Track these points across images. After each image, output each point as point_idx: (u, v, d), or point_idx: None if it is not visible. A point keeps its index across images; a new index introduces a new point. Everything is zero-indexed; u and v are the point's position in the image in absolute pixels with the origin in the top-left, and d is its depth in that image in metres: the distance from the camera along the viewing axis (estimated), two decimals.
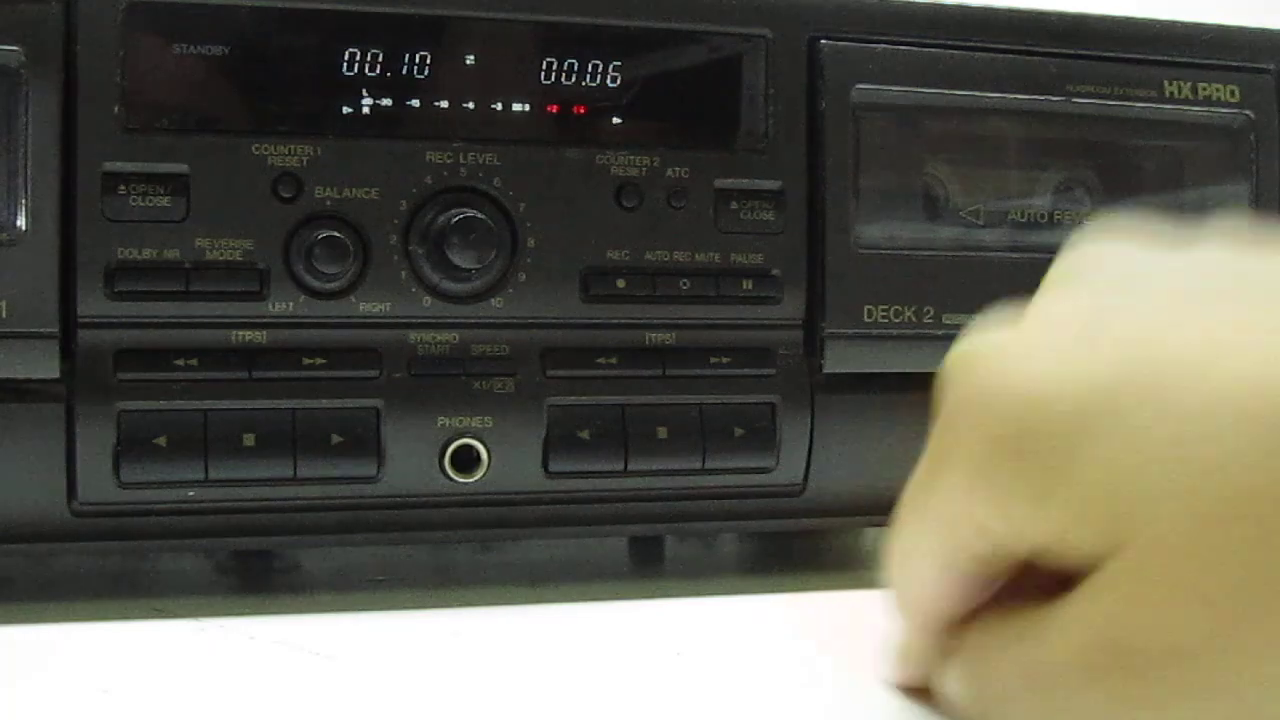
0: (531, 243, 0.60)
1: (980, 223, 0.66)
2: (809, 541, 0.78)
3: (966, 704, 0.43)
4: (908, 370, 0.64)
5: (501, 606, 0.60)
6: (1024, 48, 0.66)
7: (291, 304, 0.58)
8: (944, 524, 0.43)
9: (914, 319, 0.64)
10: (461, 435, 0.59)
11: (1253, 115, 0.69)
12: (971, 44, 0.65)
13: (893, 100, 0.64)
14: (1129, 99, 0.67)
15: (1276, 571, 0.34)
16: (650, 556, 0.73)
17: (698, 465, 0.61)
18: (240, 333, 0.57)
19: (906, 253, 0.64)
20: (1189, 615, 0.35)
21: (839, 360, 0.63)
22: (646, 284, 0.61)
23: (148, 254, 0.56)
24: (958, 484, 0.41)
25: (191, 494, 0.56)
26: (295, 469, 0.57)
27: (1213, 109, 0.68)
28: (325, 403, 0.57)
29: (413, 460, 0.58)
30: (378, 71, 0.58)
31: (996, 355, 0.41)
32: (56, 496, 0.56)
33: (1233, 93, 0.69)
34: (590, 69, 0.61)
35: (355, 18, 0.58)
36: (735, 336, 0.62)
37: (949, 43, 0.65)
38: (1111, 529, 0.37)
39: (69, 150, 0.55)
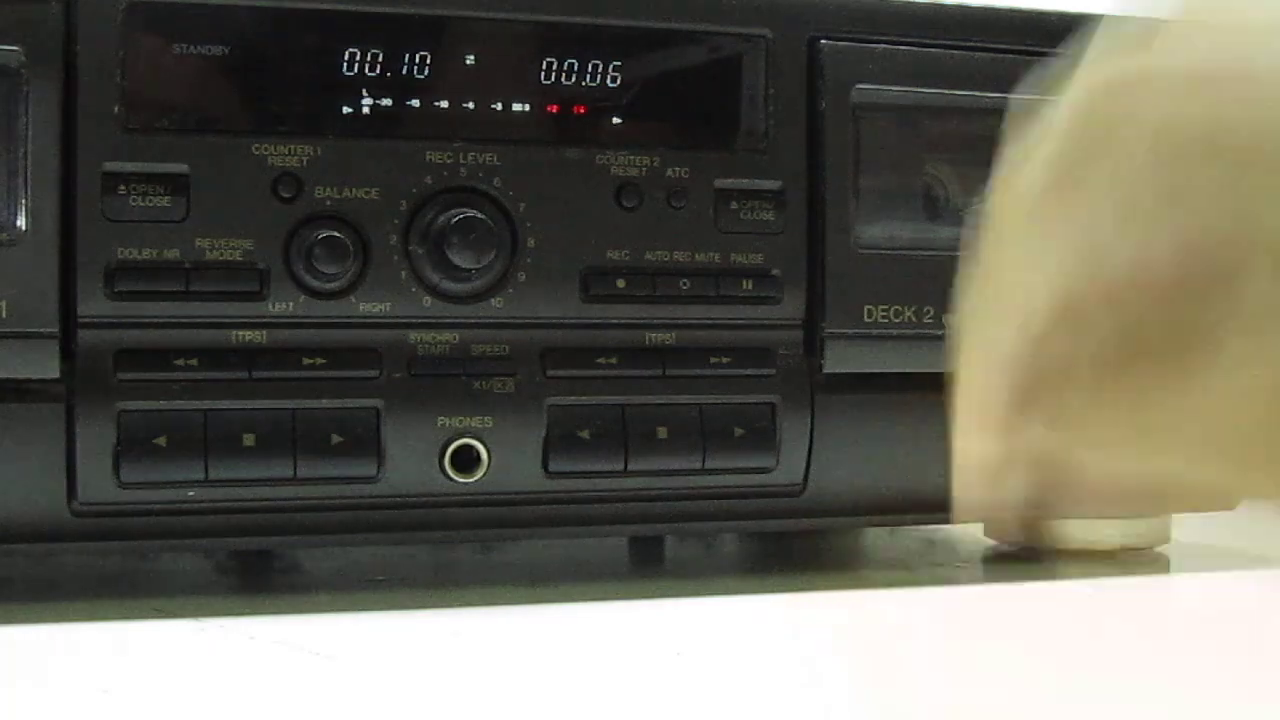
0: (531, 243, 0.60)
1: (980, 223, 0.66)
2: (809, 541, 0.78)
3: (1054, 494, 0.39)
4: (908, 370, 0.64)
5: (501, 606, 0.60)
6: (1024, 48, 0.66)
7: (291, 304, 0.58)
8: (1075, 249, 0.36)
9: (914, 319, 0.64)
10: (461, 435, 0.59)
11: None
12: (971, 44, 0.65)
13: (893, 100, 0.64)
14: None
15: None
16: (650, 556, 0.73)
17: (698, 465, 0.61)
18: (240, 333, 0.57)
19: (906, 253, 0.64)
20: None
21: (839, 360, 0.63)
22: (646, 284, 0.61)
23: (148, 254, 0.56)
24: (1108, 198, 0.35)
25: (191, 494, 0.56)
26: (295, 469, 0.57)
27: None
28: (325, 403, 0.57)
29: (413, 460, 0.58)
30: (378, 71, 0.58)
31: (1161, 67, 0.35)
32: (56, 496, 0.56)
33: None
34: (590, 69, 0.61)
35: (355, 18, 0.58)
36: (735, 336, 0.62)
37: (949, 43, 0.65)
38: None
39: (69, 150, 0.55)
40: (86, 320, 0.56)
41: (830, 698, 0.48)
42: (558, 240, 0.60)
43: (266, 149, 0.57)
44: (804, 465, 0.63)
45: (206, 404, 0.56)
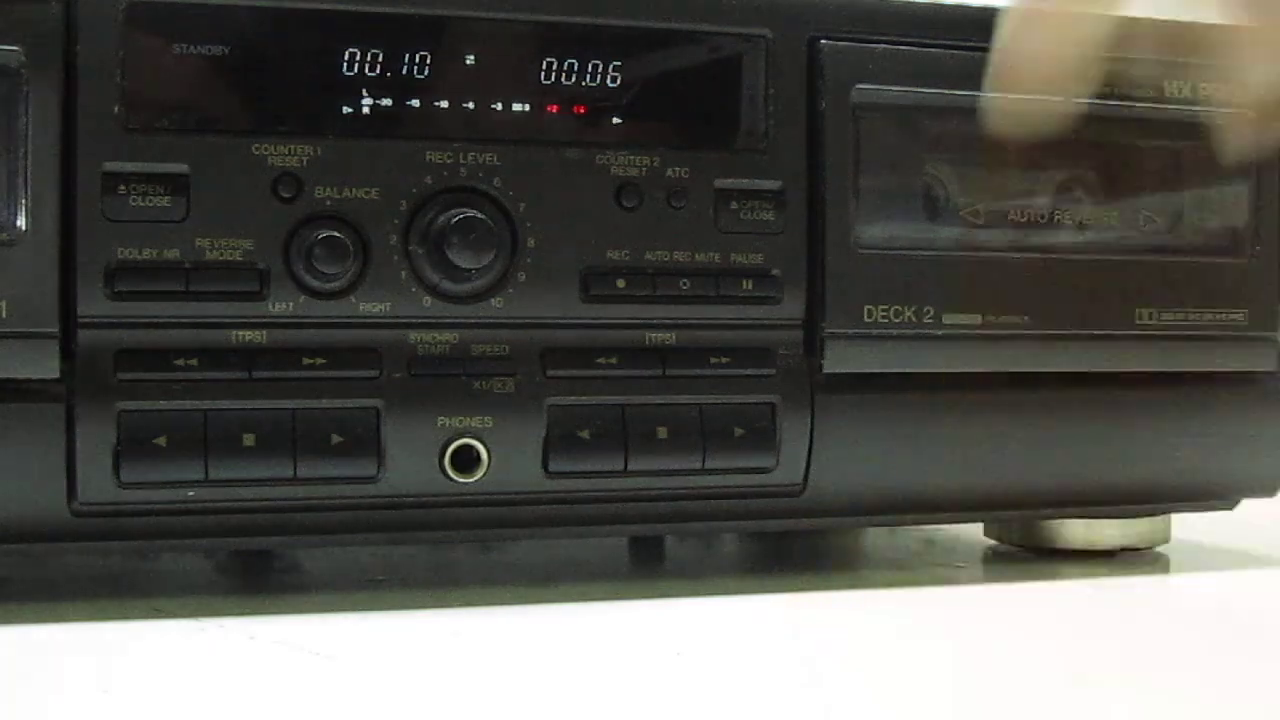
0: (531, 243, 0.60)
1: (980, 223, 0.66)
2: (809, 541, 0.78)
3: None
4: (908, 370, 0.64)
5: (501, 606, 0.60)
6: None
7: (291, 304, 0.58)
8: None
9: (914, 319, 0.64)
10: (461, 435, 0.59)
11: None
12: (971, 44, 0.65)
13: (893, 100, 0.64)
14: (1129, 99, 0.67)
15: None
16: (650, 556, 0.73)
17: (698, 465, 0.61)
18: (240, 333, 0.57)
19: (906, 253, 0.64)
20: None
21: (839, 360, 0.63)
22: (646, 284, 0.61)
23: (148, 254, 0.56)
24: None
25: (191, 494, 0.56)
26: (295, 469, 0.57)
27: (1213, 109, 0.68)
28: (325, 403, 0.57)
29: (413, 460, 0.58)
30: (378, 71, 0.58)
31: None
32: (56, 496, 0.56)
33: None
34: (590, 69, 0.61)
35: (355, 18, 0.58)
36: (735, 336, 0.62)
37: (949, 43, 0.65)
38: None
39: (69, 150, 0.55)
40: (86, 320, 0.56)
41: (830, 698, 0.48)
42: (558, 240, 0.60)
43: (266, 149, 0.57)
44: (804, 465, 0.63)
45: (206, 404, 0.56)
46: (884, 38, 0.64)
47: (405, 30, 0.59)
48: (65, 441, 0.55)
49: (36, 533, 0.56)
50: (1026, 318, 0.65)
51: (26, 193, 0.55)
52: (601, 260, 0.61)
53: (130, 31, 0.56)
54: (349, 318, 0.58)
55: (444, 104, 0.59)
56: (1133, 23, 0.51)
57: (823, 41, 0.63)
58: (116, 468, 0.56)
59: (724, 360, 0.62)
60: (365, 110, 0.58)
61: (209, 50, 0.57)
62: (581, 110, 0.61)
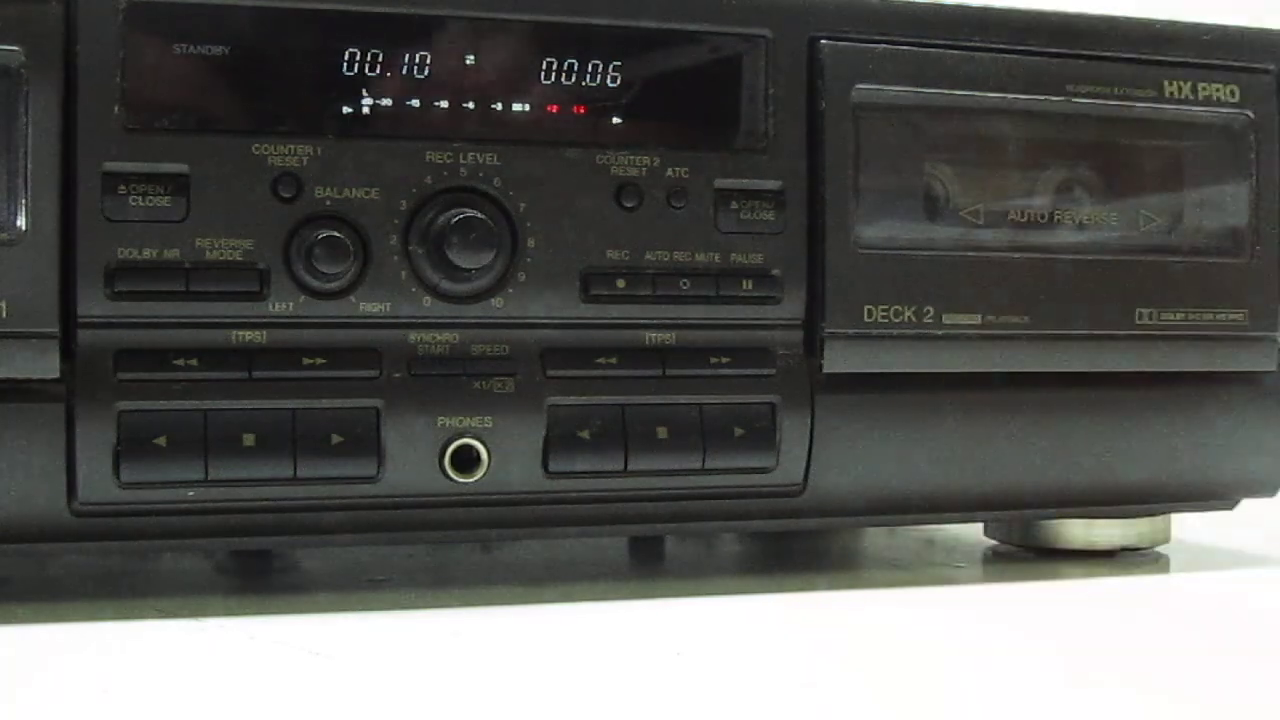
0: (531, 243, 0.60)
1: (980, 223, 0.66)
2: (809, 541, 0.78)
3: None
4: (908, 370, 0.64)
5: (501, 606, 0.60)
6: (1024, 48, 0.66)
7: (291, 304, 0.58)
8: None
9: (914, 319, 0.64)
10: (461, 435, 0.59)
11: (1253, 115, 0.69)
12: (971, 44, 0.65)
13: (893, 100, 0.64)
14: (1129, 99, 0.67)
15: None
16: (650, 556, 0.73)
17: (698, 465, 0.61)
18: (240, 333, 0.57)
19: (906, 253, 0.64)
20: None
21: (839, 360, 0.63)
22: (646, 284, 0.61)
23: (148, 254, 0.56)
24: None
25: (191, 494, 0.56)
26: (295, 469, 0.57)
27: (1213, 109, 0.68)
28: (325, 403, 0.57)
29: (413, 460, 0.58)
30: (378, 71, 0.58)
31: None
32: (56, 496, 0.56)
33: (1233, 93, 0.69)
34: (590, 69, 0.61)
35: (355, 18, 0.58)
36: (735, 336, 0.62)
37: (949, 43, 0.65)
38: None
39: (69, 150, 0.55)
40: (86, 320, 0.56)
41: (830, 698, 0.48)
42: (558, 240, 0.60)
43: (266, 149, 0.57)
44: (804, 465, 0.63)
45: (206, 404, 0.56)
46: (884, 38, 0.64)
47: (405, 30, 0.59)
48: (65, 441, 0.55)
49: (36, 533, 0.56)
50: (1026, 318, 0.65)
51: (26, 193, 0.55)
52: (601, 260, 0.61)
53: (130, 31, 0.56)
54: (349, 318, 0.58)
55: (444, 104, 0.59)
56: None
57: (823, 41, 0.63)
58: (116, 468, 0.56)
59: (724, 360, 0.62)
60: (365, 110, 0.58)
61: (209, 50, 0.57)
62: (581, 110, 0.61)
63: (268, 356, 0.57)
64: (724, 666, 0.51)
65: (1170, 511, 0.72)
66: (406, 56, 0.59)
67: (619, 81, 0.61)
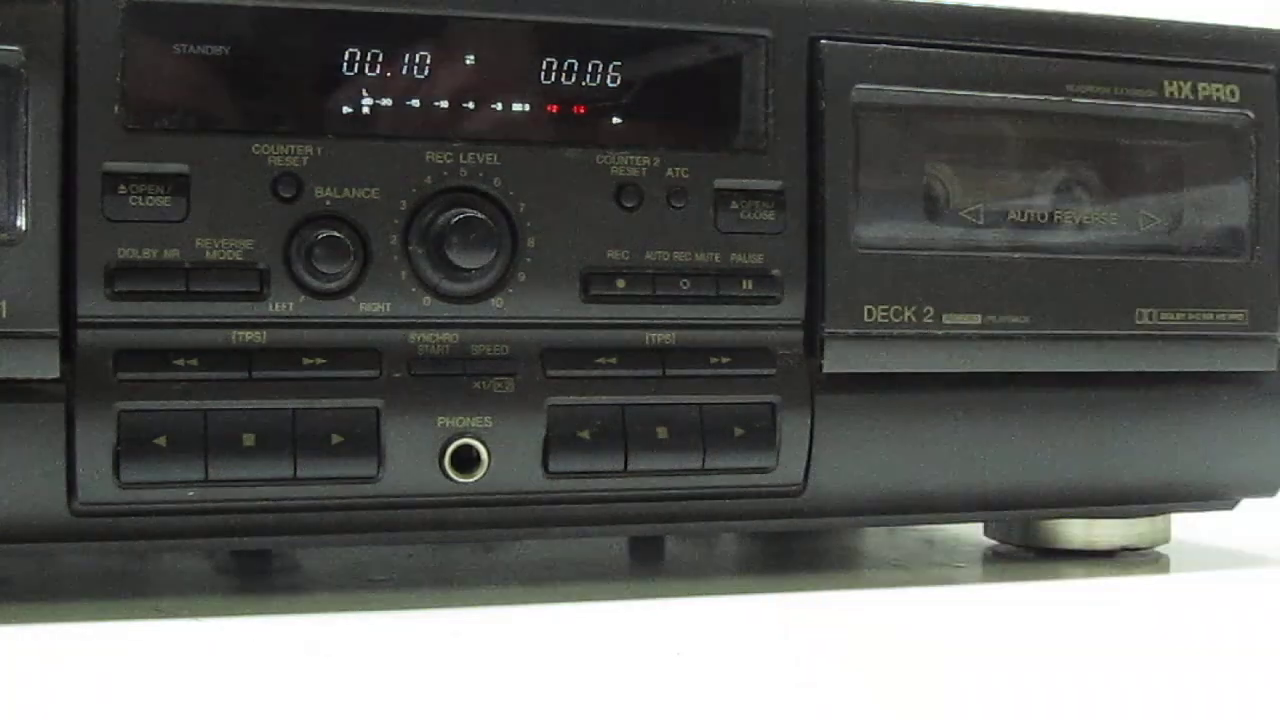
0: (531, 243, 0.60)
1: (980, 223, 0.66)
2: (809, 541, 0.78)
3: None
4: (908, 370, 0.64)
5: (501, 606, 0.60)
6: (1024, 48, 0.66)
7: (291, 304, 0.58)
8: None
9: (914, 319, 0.64)
10: (461, 435, 0.59)
11: (1253, 115, 0.69)
12: (971, 44, 0.65)
13: (893, 100, 0.64)
14: (1129, 99, 0.67)
15: None
16: (650, 556, 0.73)
17: (698, 465, 0.61)
18: (240, 333, 0.57)
19: (906, 253, 0.64)
20: None
21: (839, 360, 0.63)
22: (646, 284, 0.61)
23: (148, 254, 0.56)
24: None
25: (191, 494, 0.56)
26: (295, 469, 0.57)
27: (1213, 109, 0.68)
28: (325, 403, 0.57)
29: (413, 460, 0.58)
30: (378, 71, 0.58)
31: None
32: (56, 496, 0.56)
33: (1233, 93, 0.69)
34: (590, 69, 0.61)
35: (355, 18, 0.58)
36: (735, 336, 0.62)
37: (949, 43, 0.65)
38: None
39: (69, 150, 0.55)
40: (86, 320, 0.56)
41: (830, 698, 0.48)
42: (558, 240, 0.60)
43: (266, 149, 0.57)
44: (804, 465, 0.63)
45: (206, 404, 0.56)
46: (884, 38, 0.64)
47: (405, 30, 0.59)
48: (65, 441, 0.55)
49: (36, 533, 0.56)
50: (1026, 318, 0.65)
51: (26, 193, 0.55)
52: (601, 260, 0.61)
53: (130, 31, 0.56)
54: (349, 318, 0.58)
55: (444, 104, 0.59)
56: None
57: (823, 41, 0.63)
58: (116, 468, 0.56)
59: (724, 360, 0.62)
60: (365, 110, 0.58)
61: (209, 50, 0.57)
62: (581, 110, 0.61)
63: (268, 356, 0.57)
64: (724, 666, 0.51)
65: (1170, 511, 0.72)
66: (406, 56, 0.59)
67: (619, 81, 0.61)
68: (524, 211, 0.60)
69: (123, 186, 0.56)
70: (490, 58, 0.60)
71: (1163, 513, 0.72)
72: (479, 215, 0.58)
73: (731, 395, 0.62)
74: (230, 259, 0.57)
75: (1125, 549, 0.72)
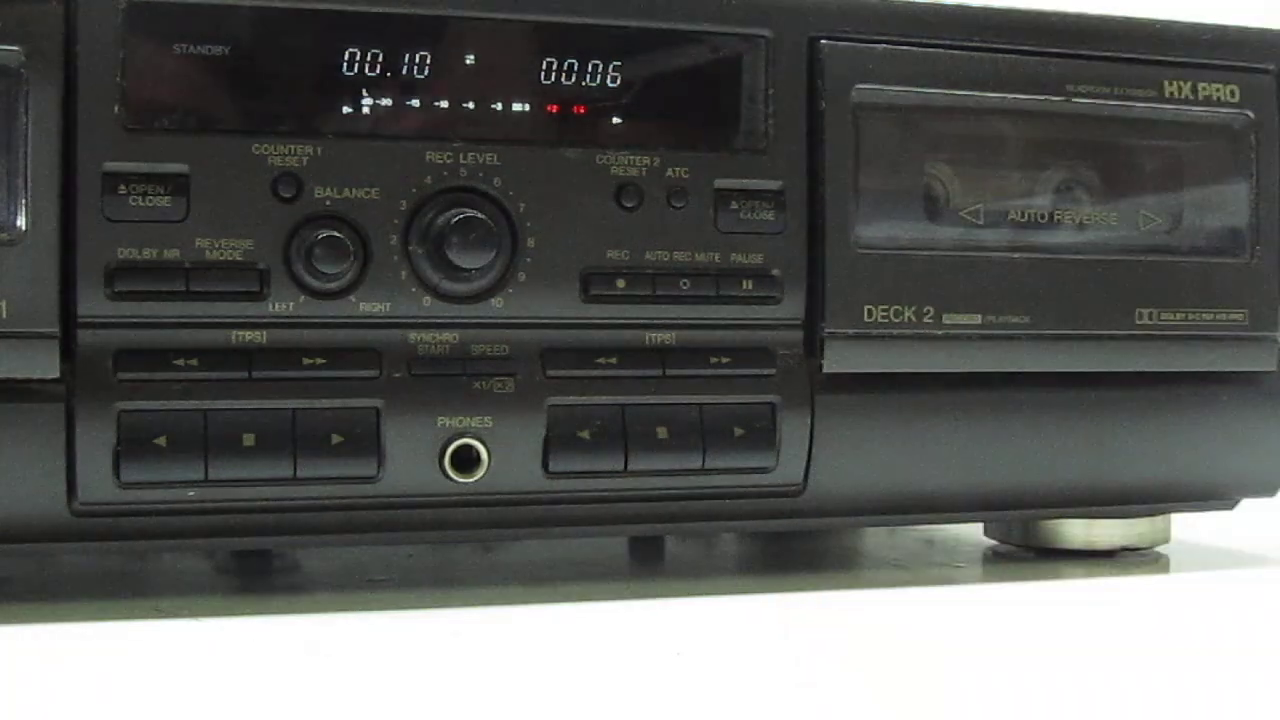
0: (531, 243, 0.60)
1: (980, 223, 0.66)
2: (809, 541, 0.78)
3: None
4: (908, 370, 0.64)
5: (501, 606, 0.60)
6: (1024, 48, 0.66)
7: (291, 304, 0.58)
8: None
9: (914, 319, 0.64)
10: (461, 435, 0.59)
11: (1253, 115, 0.69)
12: (971, 44, 0.65)
13: (893, 100, 0.64)
14: (1129, 99, 0.67)
15: None
16: (650, 556, 0.73)
17: (698, 465, 0.61)
18: (240, 333, 0.57)
19: (906, 253, 0.64)
20: None
21: (839, 360, 0.63)
22: (646, 284, 0.61)
23: (148, 254, 0.56)
24: None
25: (191, 494, 0.56)
26: (295, 469, 0.57)
27: (1213, 109, 0.68)
28: (325, 403, 0.57)
29: (413, 460, 0.58)
30: (378, 71, 0.58)
31: None
32: (56, 496, 0.56)
33: (1233, 93, 0.69)
34: (590, 69, 0.61)
35: (355, 18, 0.58)
36: (735, 336, 0.62)
37: (949, 43, 0.65)
38: None
39: (69, 150, 0.55)
40: (86, 320, 0.56)
41: (830, 698, 0.48)
42: (558, 240, 0.60)
43: (266, 149, 0.57)
44: (804, 465, 0.63)
45: (206, 404, 0.56)
46: (884, 38, 0.64)
47: (405, 30, 0.59)
48: (65, 441, 0.55)
49: (36, 533, 0.56)
50: (1026, 318, 0.65)
51: (26, 193, 0.55)
52: (601, 260, 0.61)
53: (130, 31, 0.56)
54: (349, 318, 0.58)
55: (444, 104, 0.59)
56: None
57: (823, 41, 0.63)
58: (116, 468, 0.56)
59: (724, 360, 0.62)
60: (365, 110, 0.58)
61: (209, 50, 0.57)
62: (581, 110, 0.61)
63: (268, 356, 0.57)
64: (724, 666, 0.51)
65: (1170, 511, 0.72)
66: (406, 56, 0.59)
67: (619, 81, 0.61)
68: (524, 211, 0.60)
69: (123, 186, 0.56)
70: (490, 58, 0.60)
71: (1163, 513, 0.72)
72: (479, 215, 0.58)
73: (731, 395, 0.62)
74: (230, 259, 0.57)
75: (1125, 549, 0.72)
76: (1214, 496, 0.71)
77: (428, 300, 0.59)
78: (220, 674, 0.50)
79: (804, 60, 0.63)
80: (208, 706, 0.45)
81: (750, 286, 0.62)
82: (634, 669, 0.51)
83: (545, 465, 0.60)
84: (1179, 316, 0.67)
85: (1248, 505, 0.72)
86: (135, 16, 0.56)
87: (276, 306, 0.57)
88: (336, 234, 0.57)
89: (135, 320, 0.56)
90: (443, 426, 0.58)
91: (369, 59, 0.58)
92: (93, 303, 0.56)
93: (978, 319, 0.65)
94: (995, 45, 0.65)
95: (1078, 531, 0.71)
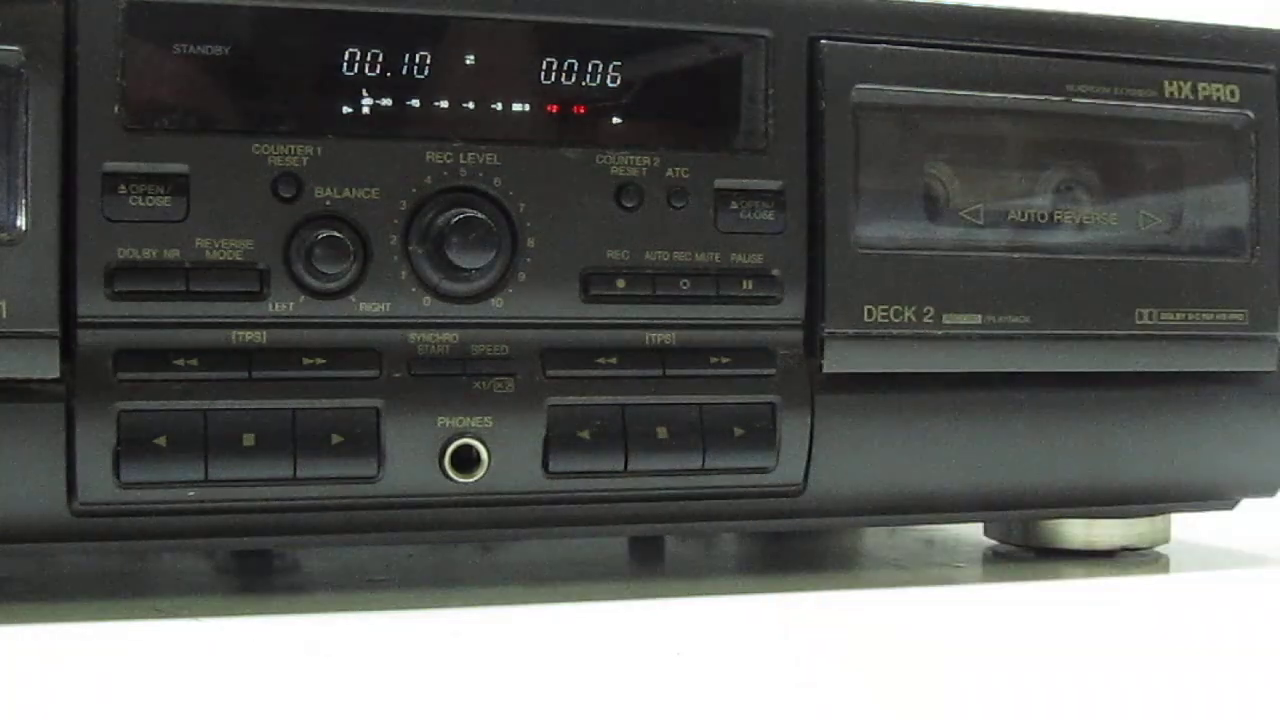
0: (531, 243, 0.60)
1: (980, 223, 0.66)
2: (809, 541, 0.78)
3: None
4: (908, 370, 0.64)
5: (501, 606, 0.60)
6: (1024, 48, 0.66)
7: (291, 304, 0.58)
8: None
9: (914, 319, 0.64)
10: (461, 435, 0.59)
11: (1253, 115, 0.69)
12: (971, 44, 0.65)
13: (893, 100, 0.64)
14: (1129, 99, 0.67)
15: None
16: (650, 556, 0.73)
17: (697, 465, 0.61)
18: (240, 333, 0.57)
19: (906, 253, 0.64)
20: None
21: (839, 360, 0.63)
22: (646, 284, 0.61)
23: (148, 254, 0.56)
24: None
25: (191, 494, 0.56)
26: (295, 469, 0.57)
27: (1213, 109, 0.68)
28: (325, 403, 0.57)
29: (413, 460, 0.58)
30: (378, 71, 0.58)
31: None
32: (56, 496, 0.56)
33: (1233, 93, 0.69)
34: (590, 69, 0.61)
35: (355, 18, 0.58)
36: (735, 336, 0.62)
37: (949, 43, 0.65)
38: None
39: (69, 150, 0.55)
40: (86, 320, 0.56)
41: (830, 698, 0.48)
42: (558, 240, 0.60)
43: (266, 149, 0.57)
44: (804, 465, 0.63)
45: (206, 404, 0.56)
46: (884, 38, 0.64)
47: (405, 30, 0.59)
48: (65, 441, 0.55)
49: (36, 533, 0.56)
50: (1026, 318, 0.65)
51: (26, 193, 0.55)
52: (601, 260, 0.61)
53: (130, 31, 0.56)
54: (349, 318, 0.58)
55: (444, 104, 0.59)
56: None
57: (823, 41, 0.63)
58: (116, 468, 0.56)
59: (724, 360, 0.62)
60: (365, 110, 0.58)
61: (209, 50, 0.57)
62: (581, 110, 0.61)
63: (268, 356, 0.57)
64: (724, 666, 0.51)
65: (1170, 511, 0.72)
66: (406, 56, 0.59)
67: (619, 81, 0.61)
68: (524, 211, 0.60)
69: (123, 186, 0.56)
70: (490, 58, 0.60)
71: (1163, 513, 0.72)
72: (479, 215, 0.58)
73: (731, 395, 0.62)
74: (230, 259, 0.57)
75: (1125, 549, 0.72)
76: (1214, 496, 0.71)
77: (428, 300, 0.59)
78: (220, 674, 0.50)
79: (804, 60, 0.63)
80: (208, 706, 0.45)
81: (750, 286, 0.62)
82: (634, 669, 0.51)
83: (545, 465, 0.60)
84: (1179, 316, 0.67)
85: (1248, 505, 0.72)
86: (135, 16, 0.56)
87: (276, 306, 0.57)
88: (336, 234, 0.57)
89: (135, 320, 0.56)
90: (443, 426, 0.58)
91: (369, 59, 0.58)
92: (93, 303, 0.56)
93: (978, 319, 0.65)
94: (995, 45, 0.65)
95: (1078, 531, 0.71)
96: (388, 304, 0.58)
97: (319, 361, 0.58)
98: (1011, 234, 0.66)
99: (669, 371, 0.61)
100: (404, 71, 0.59)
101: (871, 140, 0.64)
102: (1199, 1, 0.74)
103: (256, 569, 0.68)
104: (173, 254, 0.56)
